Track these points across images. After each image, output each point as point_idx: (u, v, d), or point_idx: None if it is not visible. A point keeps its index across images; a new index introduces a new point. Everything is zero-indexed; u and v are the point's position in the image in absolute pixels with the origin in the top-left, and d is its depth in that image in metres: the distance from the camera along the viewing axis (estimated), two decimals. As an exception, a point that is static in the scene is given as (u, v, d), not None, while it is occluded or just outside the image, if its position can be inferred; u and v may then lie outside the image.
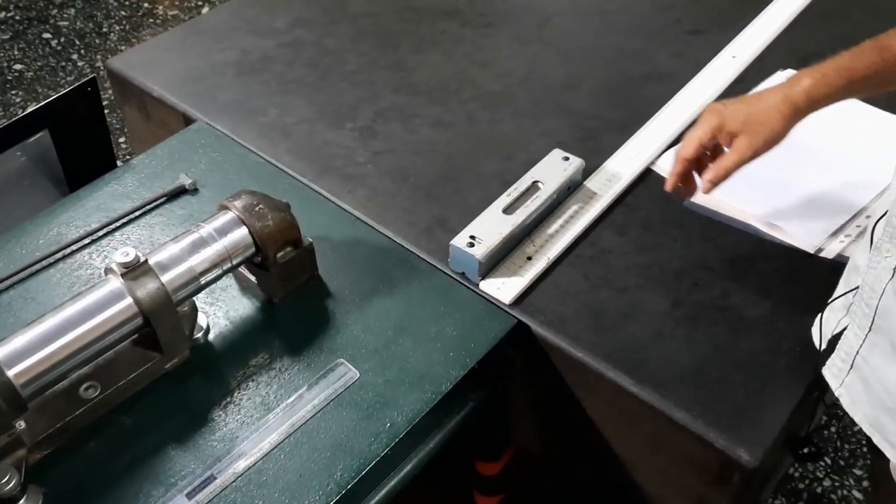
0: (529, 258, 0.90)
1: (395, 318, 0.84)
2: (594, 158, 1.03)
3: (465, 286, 0.88)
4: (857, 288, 0.72)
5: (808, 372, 0.79)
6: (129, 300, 0.73)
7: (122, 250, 0.74)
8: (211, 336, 0.84)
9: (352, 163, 1.03)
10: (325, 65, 1.19)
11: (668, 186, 0.84)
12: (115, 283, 0.74)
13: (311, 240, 0.86)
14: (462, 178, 1.02)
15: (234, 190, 0.83)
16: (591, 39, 1.25)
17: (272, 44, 1.23)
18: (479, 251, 0.86)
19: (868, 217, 0.92)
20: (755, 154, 0.79)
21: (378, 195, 0.99)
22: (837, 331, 0.74)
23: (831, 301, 0.76)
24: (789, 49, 1.21)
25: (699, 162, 0.83)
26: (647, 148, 1.04)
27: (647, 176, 1.01)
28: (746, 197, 0.96)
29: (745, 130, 0.78)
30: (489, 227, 0.89)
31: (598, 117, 1.10)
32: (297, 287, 0.87)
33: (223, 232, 0.79)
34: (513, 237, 0.90)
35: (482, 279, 0.88)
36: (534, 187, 0.94)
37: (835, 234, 0.92)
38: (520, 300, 0.87)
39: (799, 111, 0.78)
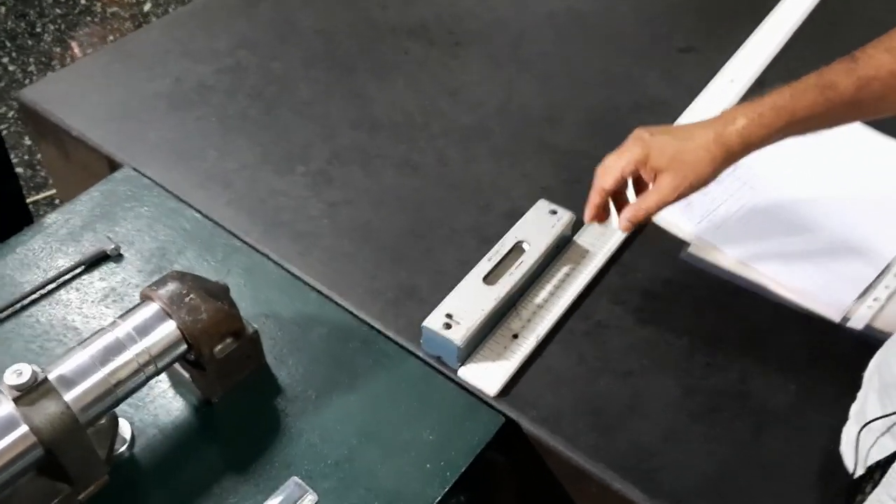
0: (515, 336, 0.77)
1: (360, 420, 0.71)
2: (583, 205, 0.90)
3: (442, 374, 0.75)
4: None
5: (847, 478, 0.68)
6: (24, 429, 0.58)
7: (13, 369, 0.58)
8: (137, 448, 0.69)
9: (303, 217, 0.89)
10: (272, 94, 1.04)
11: (587, 219, 0.77)
12: (7, 407, 0.59)
13: (255, 327, 0.72)
14: (433, 233, 0.88)
15: (164, 255, 0.69)
16: (572, 60, 1.12)
17: (210, 69, 1.07)
18: (458, 334, 0.73)
19: (898, 276, 0.81)
20: (678, 197, 0.72)
21: (335, 258, 0.85)
22: (881, 457, 0.62)
23: (869, 423, 0.64)
24: (790, 69, 1.08)
25: (618, 193, 0.77)
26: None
27: (645, 226, 0.89)
28: (757, 252, 0.84)
29: (670, 168, 0.71)
30: (468, 302, 0.76)
31: (585, 154, 0.97)
32: (239, 382, 0.72)
33: (145, 330, 0.65)
34: (496, 312, 0.76)
35: (461, 364, 0.74)
36: (517, 249, 0.81)
37: (862, 296, 0.81)
38: (507, 390, 0.74)
39: (731, 154, 0.70)
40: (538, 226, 0.83)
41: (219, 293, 0.68)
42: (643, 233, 0.88)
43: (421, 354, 0.76)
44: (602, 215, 0.77)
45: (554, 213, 0.84)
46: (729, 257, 0.84)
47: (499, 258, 0.80)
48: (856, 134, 0.97)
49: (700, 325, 0.80)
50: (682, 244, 0.87)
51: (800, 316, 0.80)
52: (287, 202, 0.90)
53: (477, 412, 0.71)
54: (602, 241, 0.86)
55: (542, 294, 0.80)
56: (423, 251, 0.86)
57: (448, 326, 0.73)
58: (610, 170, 0.74)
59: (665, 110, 1.03)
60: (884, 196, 0.91)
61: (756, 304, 0.82)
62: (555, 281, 0.82)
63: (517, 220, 0.85)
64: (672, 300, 0.82)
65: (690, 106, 1.04)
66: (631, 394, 0.74)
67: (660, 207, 0.73)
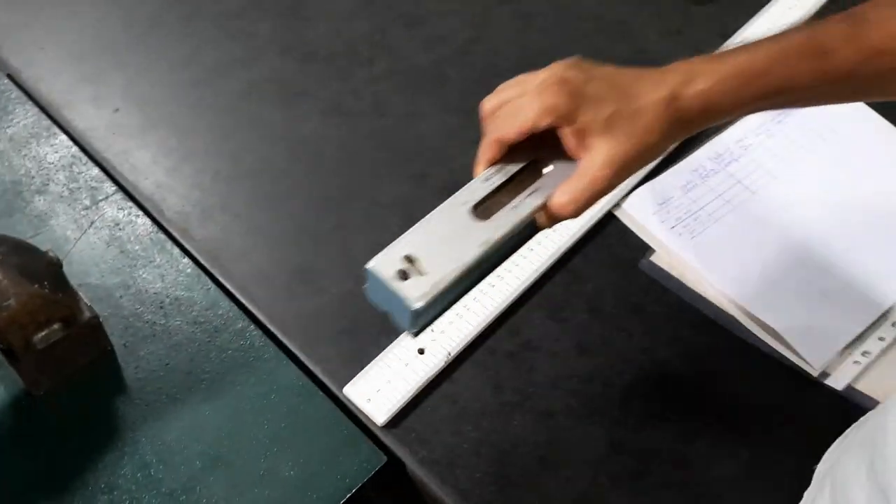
0: (422, 351, 0.63)
1: (211, 438, 0.58)
2: (538, 187, 0.74)
3: (325, 390, 0.61)
4: None
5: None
6: None
7: None
8: (-64, 440, 0.57)
9: (195, 163, 0.74)
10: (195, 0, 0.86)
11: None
12: None
13: (94, 313, 0.58)
14: (350, 205, 0.73)
15: (19, 194, 0.54)
16: (562, -3, 0.93)
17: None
18: (418, 291, 0.46)
19: (896, 326, 0.67)
20: (615, 178, 0.49)
21: (223, 222, 0.70)
22: None
23: None
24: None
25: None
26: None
27: (608, 224, 0.74)
28: (734, 275, 0.70)
29: (607, 134, 0.49)
30: (443, 243, 0.49)
31: (554, 122, 0.81)
32: (73, 373, 0.59)
33: (-68, 315, 0.51)
34: (477, 266, 0.51)
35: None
36: (531, 169, 0.53)
37: (849, 347, 0.67)
38: (399, 419, 0.61)
39: (687, 124, 0.50)
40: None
41: (42, 270, 0.54)
42: (604, 231, 0.73)
43: (305, 360, 0.63)
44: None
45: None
46: (700, 275, 0.70)
47: (502, 179, 0.51)
48: (882, 132, 0.80)
49: (648, 359, 0.66)
50: (646, 250, 0.72)
51: (770, 362, 0.66)
52: (180, 142, 0.75)
53: (356, 445, 0.59)
54: (551, 235, 0.71)
55: (464, 299, 0.66)
56: (333, 227, 0.71)
57: (404, 276, 0.47)
58: (518, 114, 0.50)
59: (660, 75, 0.86)
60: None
61: (720, 340, 0.67)
62: (482, 285, 0.67)
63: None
64: (621, 323, 0.68)
65: (691, 73, 0.87)
66: (547, 440, 0.61)
67: (593, 199, 0.50)
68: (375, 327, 0.65)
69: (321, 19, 0.87)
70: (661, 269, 0.70)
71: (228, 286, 0.66)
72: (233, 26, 0.85)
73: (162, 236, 0.68)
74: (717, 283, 0.69)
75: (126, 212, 0.69)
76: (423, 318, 0.49)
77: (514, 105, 0.50)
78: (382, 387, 0.61)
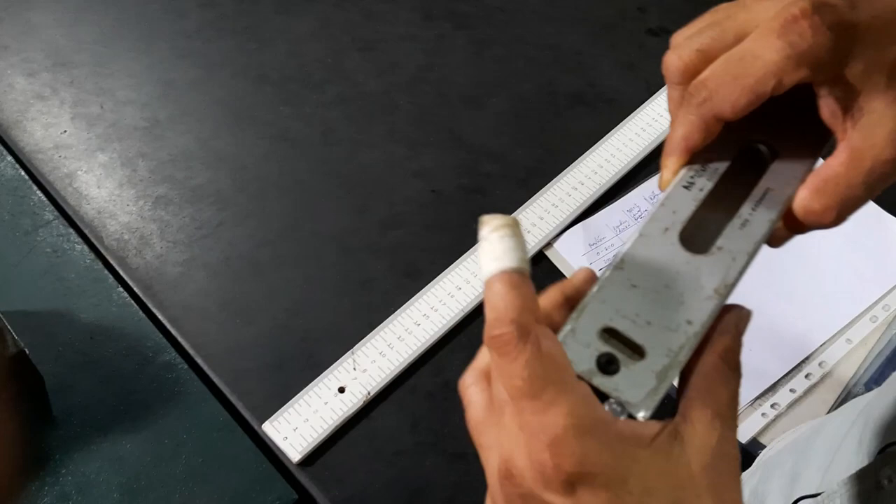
0: (342, 390, 0.66)
1: (132, 472, 0.60)
2: (475, 224, 0.76)
3: (245, 426, 0.64)
4: None
5: None
6: None
7: None
8: None
9: (136, 188, 0.75)
10: (154, 15, 0.87)
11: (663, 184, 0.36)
12: None
13: (20, 347, 0.60)
14: (290, 233, 0.74)
15: None
16: (520, 26, 0.94)
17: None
18: (641, 391, 0.30)
19: (822, 366, 0.69)
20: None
21: (160, 248, 0.72)
22: None
23: None
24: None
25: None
26: (552, 215, 0.78)
27: (538, 262, 0.75)
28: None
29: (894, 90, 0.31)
30: (657, 299, 0.32)
31: (494, 158, 0.82)
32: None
33: None
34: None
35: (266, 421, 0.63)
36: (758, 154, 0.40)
37: (759, 399, 0.69)
38: (315, 457, 0.63)
39: None
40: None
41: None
42: (535, 269, 0.75)
43: (228, 394, 0.65)
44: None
45: None
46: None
47: (712, 183, 0.35)
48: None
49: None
50: (574, 293, 0.74)
51: (683, 410, 0.69)
52: (125, 166, 0.76)
53: (269, 482, 0.61)
54: (478, 276, 0.73)
55: (388, 337, 0.68)
56: (270, 257, 0.73)
57: (612, 366, 0.31)
58: (747, 68, 0.31)
59: (610, 110, 0.87)
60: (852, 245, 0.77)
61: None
62: (408, 323, 0.69)
63: (396, 230, 0.71)
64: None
65: (643, 106, 0.88)
66: (455, 483, 0.63)
67: (867, 194, 0.32)
68: (301, 363, 0.67)
69: (277, 43, 0.88)
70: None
71: (160, 316, 0.68)
72: (188, 46, 0.86)
73: (98, 265, 0.70)
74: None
75: (65, 238, 0.71)
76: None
77: (738, 54, 0.32)
78: (300, 425, 0.63)
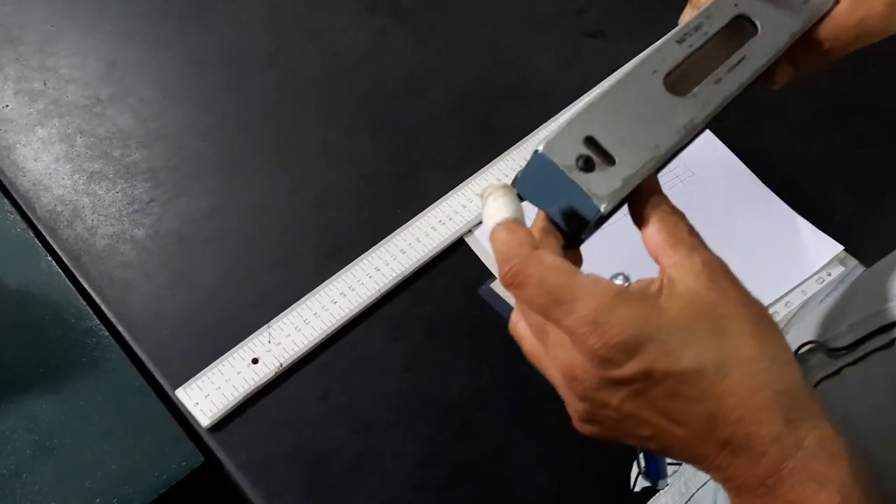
0: (255, 361, 0.68)
1: (45, 429, 0.63)
2: (402, 209, 0.79)
3: (160, 392, 0.66)
4: None
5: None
6: None
7: None
8: None
9: (73, 160, 0.78)
10: (101, -3, 0.90)
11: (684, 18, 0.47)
12: None
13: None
14: (222, 213, 0.77)
15: None
16: (462, 19, 0.97)
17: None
18: (609, 186, 0.38)
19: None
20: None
21: (88, 224, 0.74)
22: None
23: None
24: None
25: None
26: (475, 204, 0.80)
27: (458, 249, 0.78)
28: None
29: None
30: (631, 123, 0.39)
31: (429, 146, 0.85)
32: (-77, 361, 0.64)
33: None
34: (666, 156, 0.42)
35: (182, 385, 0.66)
36: (739, 28, 0.46)
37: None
38: (224, 423, 0.66)
39: None
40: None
41: None
42: (454, 255, 0.78)
43: (145, 361, 0.68)
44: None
45: None
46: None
47: (701, 41, 0.41)
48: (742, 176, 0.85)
49: (472, 381, 0.71)
50: (490, 277, 0.77)
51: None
52: (63, 140, 0.79)
53: (178, 445, 0.64)
54: (401, 256, 0.76)
55: (305, 313, 0.71)
56: (199, 232, 0.75)
57: (589, 165, 0.37)
58: None
59: (543, 105, 0.90)
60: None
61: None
62: (324, 300, 0.72)
63: (324, 212, 0.74)
64: (453, 345, 0.72)
65: (575, 103, 0.91)
66: (361, 451, 0.66)
67: (855, 40, 0.44)
68: (219, 335, 0.69)
69: (223, 27, 0.90)
70: (498, 297, 0.75)
71: (85, 285, 0.71)
72: (134, 27, 0.88)
73: (30, 235, 0.72)
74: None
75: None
76: (599, 225, 0.39)
77: None
78: (212, 392, 0.66)
